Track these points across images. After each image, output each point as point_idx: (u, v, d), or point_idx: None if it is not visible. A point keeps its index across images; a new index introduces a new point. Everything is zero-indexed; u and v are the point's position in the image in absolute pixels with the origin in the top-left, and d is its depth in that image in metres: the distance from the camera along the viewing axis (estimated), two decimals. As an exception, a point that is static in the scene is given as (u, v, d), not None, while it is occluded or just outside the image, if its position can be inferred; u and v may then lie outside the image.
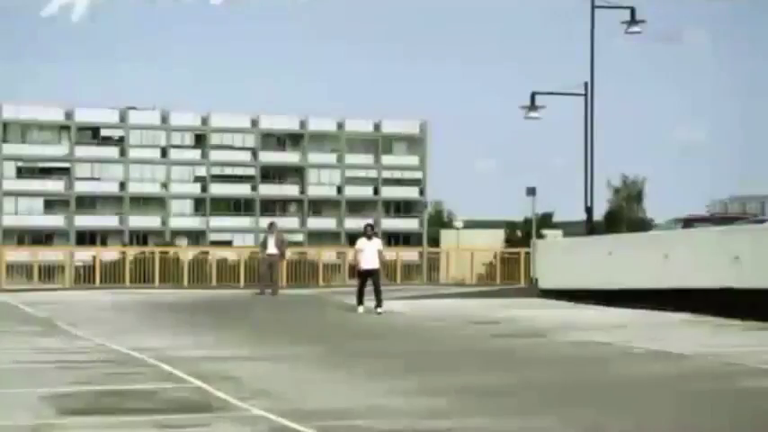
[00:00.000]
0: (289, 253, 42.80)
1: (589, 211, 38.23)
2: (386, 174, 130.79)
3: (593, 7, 37.00)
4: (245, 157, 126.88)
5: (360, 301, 27.14)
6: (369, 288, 27.01)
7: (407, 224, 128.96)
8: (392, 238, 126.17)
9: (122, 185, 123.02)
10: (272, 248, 35.54)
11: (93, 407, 12.22)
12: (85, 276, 45.71)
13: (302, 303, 31.45)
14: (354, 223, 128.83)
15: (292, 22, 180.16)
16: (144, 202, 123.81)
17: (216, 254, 48.53)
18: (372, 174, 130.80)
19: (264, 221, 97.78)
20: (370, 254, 27.04)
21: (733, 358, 16.60)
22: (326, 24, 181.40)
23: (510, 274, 48.09)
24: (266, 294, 35.00)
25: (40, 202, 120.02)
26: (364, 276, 27.11)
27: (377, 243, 27.41)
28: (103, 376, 14.79)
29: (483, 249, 58.03)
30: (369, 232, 27.45)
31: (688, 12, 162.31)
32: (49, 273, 46.57)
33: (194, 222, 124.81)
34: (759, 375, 15.13)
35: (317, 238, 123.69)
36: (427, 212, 70.31)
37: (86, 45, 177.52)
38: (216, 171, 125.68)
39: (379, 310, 26.44)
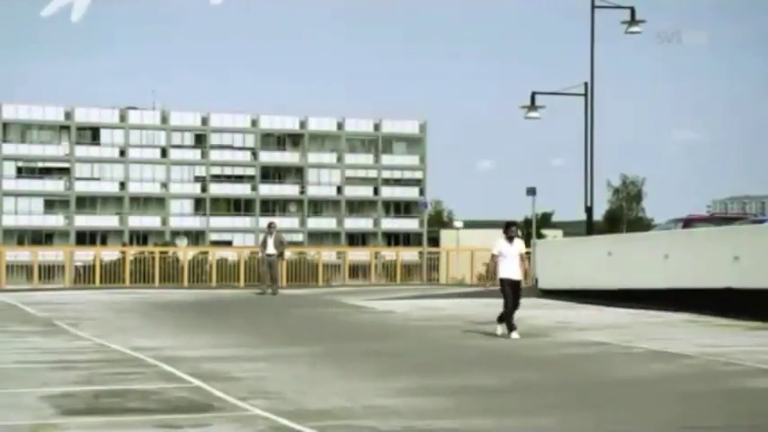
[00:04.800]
0: (288, 253, 42.71)
1: (589, 211, 38.20)
2: (386, 174, 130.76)
3: (593, 7, 36.98)
4: (245, 157, 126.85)
5: (511, 323, 20.78)
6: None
7: (407, 224, 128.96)
8: (392, 238, 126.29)
9: (122, 185, 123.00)
10: (271, 249, 35.56)
11: (93, 407, 12.22)
12: (85, 276, 45.65)
13: (302, 303, 31.42)
14: (354, 223, 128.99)
15: (292, 23, 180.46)
16: (144, 202, 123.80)
17: (216, 254, 48.46)
18: (372, 174, 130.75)
19: (264, 221, 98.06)
20: (513, 261, 21.00)
21: (733, 358, 16.61)
22: (327, 25, 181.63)
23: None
24: (266, 294, 35.02)
25: (40, 202, 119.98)
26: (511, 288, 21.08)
27: (521, 246, 21.43)
28: (103, 376, 14.79)
29: (483, 249, 57.90)
30: (511, 233, 21.08)
31: (688, 12, 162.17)
32: (49, 273, 46.47)
33: (194, 222, 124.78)
34: (758, 375, 15.13)
35: (317, 238, 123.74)
36: (427, 213, 70.15)
37: (86, 45, 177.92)
38: (216, 171, 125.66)
39: (516, 335, 20.52)
